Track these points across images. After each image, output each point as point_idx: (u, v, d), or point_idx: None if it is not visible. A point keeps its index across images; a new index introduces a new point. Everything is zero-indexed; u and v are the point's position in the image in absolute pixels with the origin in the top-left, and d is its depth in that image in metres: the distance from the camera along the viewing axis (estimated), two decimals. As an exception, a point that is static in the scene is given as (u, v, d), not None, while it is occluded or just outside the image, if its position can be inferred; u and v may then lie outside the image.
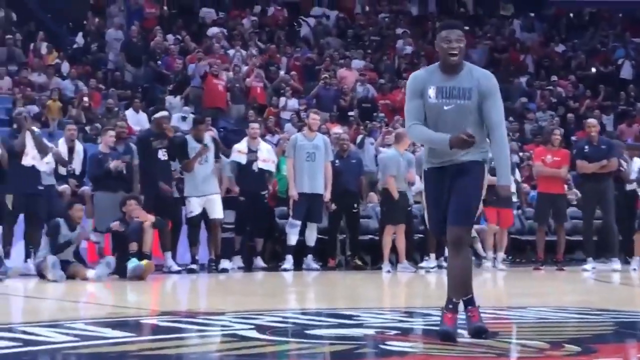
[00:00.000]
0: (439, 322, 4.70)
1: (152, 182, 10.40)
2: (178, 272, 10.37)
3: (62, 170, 10.77)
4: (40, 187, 10.01)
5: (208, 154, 10.65)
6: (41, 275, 9.34)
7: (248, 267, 11.26)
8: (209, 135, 11.15)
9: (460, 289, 4.73)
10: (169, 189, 10.46)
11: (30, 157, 9.91)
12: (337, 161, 11.50)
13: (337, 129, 13.34)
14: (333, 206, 11.34)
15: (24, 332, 4.85)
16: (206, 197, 10.65)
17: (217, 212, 10.72)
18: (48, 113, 13.90)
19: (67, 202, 9.93)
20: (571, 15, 25.45)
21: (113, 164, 10.32)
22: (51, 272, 9.04)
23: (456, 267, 4.75)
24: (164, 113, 11.07)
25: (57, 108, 13.92)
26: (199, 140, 10.74)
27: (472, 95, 4.67)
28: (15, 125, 10.69)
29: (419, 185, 11.04)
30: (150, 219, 9.70)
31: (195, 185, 10.63)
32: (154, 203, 10.27)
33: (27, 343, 4.50)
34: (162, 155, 10.48)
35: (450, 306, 4.70)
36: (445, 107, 4.68)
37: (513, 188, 12.48)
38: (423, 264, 11.31)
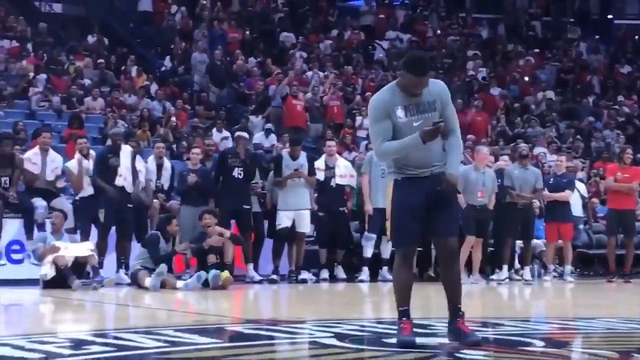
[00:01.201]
0: (459, 334, 4.92)
1: (227, 197, 10.81)
2: (260, 282, 10.78)
3: (152, 186, 11.23)
4: (130, 205, 10.49)
5: (302, 172, 11.06)
6: (135, 282, 9.81)
7: (328, 277, 11.53)
8: (304, 154, 11.53)
9: (460, 295, 5.08)
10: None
11: (123, 179, 10.43)
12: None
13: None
14: None
15: (117, 338, 5.10)
16: (296, 211, 11.07)
17: (305, 226, 11.16)
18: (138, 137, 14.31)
19: (164, 217, 10.39)
20: (636, 37, 25.47)
21: (189, 179, 10.81)
22: (151, 281, 9.48)
23: (455, 275, 5.10)
24: (241, 133, 11.52)
25: (146, 136, 14.47)
26: (295, 158, 11.20)
27: (437, 106, 4.94)
28: (109, 143, 11.22)
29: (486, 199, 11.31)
30: (224, 233, 10.03)
31: (287, 200, 11.06)
32: (232, 217, 10.69)
33: (120, 348, 4.72)
34: (237, 173, 10.89)
35: (461, 313, 5.02)
36: (415, 124, 4.88)
37: (579, 203, 12.71)
38: (494, 277, 11.57)
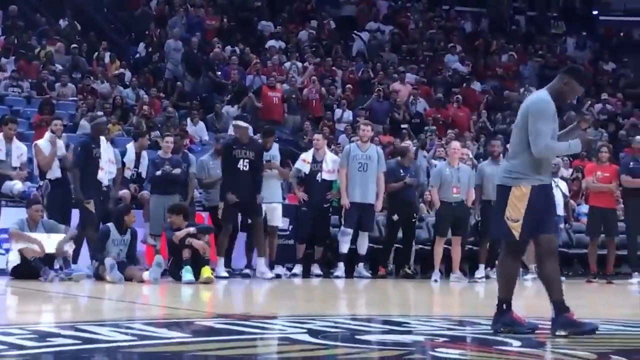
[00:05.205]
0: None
1: (232, 190, 10.30)
2: (226, 277, 10.40)
3: (127, 174, 10.90)
4: (102, 198, 10.16)
5: (275, 163, 10.82)
6: (99, 278, 9.52)
7: (304, 273, 11.34)
8: (276, 145, 11.28)
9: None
10: (233, 198, 10.29)
11: (104, 173, 10.08)
12: (401, 170, 11.62)
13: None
14: (395, 217, 11.47)
15: (84, 331, 4.94)
16: (268, 204, 10.80)
17: (277, 219, 10.90)
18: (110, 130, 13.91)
19: (124, 207, 9.97)
20: (621, 34, 25.52)
21: (172, 170, 10.51)
22: (109, 275, 9.25)
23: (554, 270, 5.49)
24: (238, 122, 10.79)
25: (117, 130, 14.10)
26: (267, 150, 10.91)
27: None
28: (90, 132, 10.63)
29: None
30: (189, 230, 9.58)
31: None
32: (240, 211, 10.42)
33: (86, 341, 4.59)
34: (243, 165, 10.44)
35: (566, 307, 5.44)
36: (558, 132, 5.39)
37: (561, 202, 12.66)
38: (476, 275, 11.46)
